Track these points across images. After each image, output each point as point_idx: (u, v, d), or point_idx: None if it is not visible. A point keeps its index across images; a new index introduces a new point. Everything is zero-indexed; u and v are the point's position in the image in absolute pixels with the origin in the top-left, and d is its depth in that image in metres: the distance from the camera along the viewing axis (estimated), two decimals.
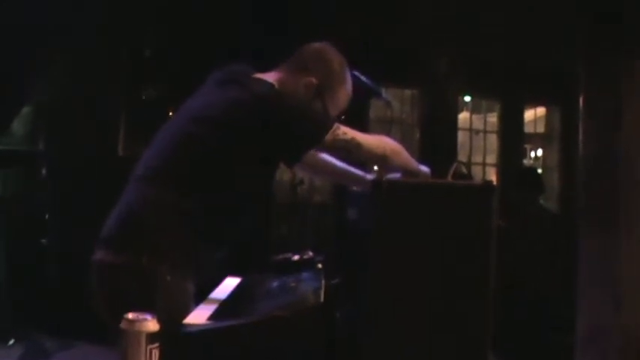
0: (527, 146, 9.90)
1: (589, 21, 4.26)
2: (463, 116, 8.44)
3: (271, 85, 2.27)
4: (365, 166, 2.61)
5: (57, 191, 5.41)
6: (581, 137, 4.21)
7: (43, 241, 5.34)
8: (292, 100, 2.24)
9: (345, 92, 2.41)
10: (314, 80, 2.33)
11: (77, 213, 5.30)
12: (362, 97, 2.62)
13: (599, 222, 4.09)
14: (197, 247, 2.22)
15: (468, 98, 8.39)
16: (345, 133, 2.19)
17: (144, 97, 5.88)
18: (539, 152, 9.72)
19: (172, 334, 1.66)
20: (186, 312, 1.98)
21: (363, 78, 2.46)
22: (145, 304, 1.96)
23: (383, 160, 2.29)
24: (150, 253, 2.13)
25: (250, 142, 2.18)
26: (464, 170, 2.02)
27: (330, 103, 2.36)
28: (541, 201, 5.96)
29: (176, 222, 2.18)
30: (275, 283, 2.20)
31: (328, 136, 2.18)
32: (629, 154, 3.98)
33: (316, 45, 2.42)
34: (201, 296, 2.24)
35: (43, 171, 5.43)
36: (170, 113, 5.55)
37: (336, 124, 2.20)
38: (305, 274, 2.23)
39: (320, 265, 2.33)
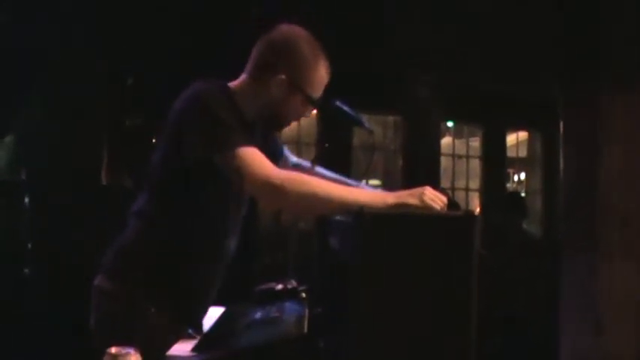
0: (510, 170, 9.93)
1: (568, 49, 4.32)
2: (446, 141, 8.47)
3: (212, 84, 2.16)
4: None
5: (40, 221, 5.37)
6: (561, 163, 4.25)
7: (26, 271, 5.30)
8: (209, 106, 2.06)
9: (322, 71, 2.23)
10: (283, 77, 2.17)
11: (60, 242, 5.27)
12: (344, 125, 2.61)
13: (580, 247, 4.12)
14: (183, 281, 2.21)
15: (450, 123, 8.42)
16: (234, 159, 2.00)
17: (127, 125, 5.87)
18: (522, 176, 9.75)
19: None
20: (167, 346, 1.98)
21: (344, 107, 2.46)
22: (126, 333, 1.98)
23: (269, 198, 2.05)
24: (134, 285, 2.16)
25: (180, 141, 2.10)
26: (450, 196, 2.03)
27: (310, 89, 2.21)
28: (524, 225, 5.99)
29: (159, 256, 2.19)
30: (258, 314, 2.20)
31: (218, 159, 2.03)
32: (608, 180, 4.01)
33: (277, 35, 2.23)
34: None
35: (26, 200, 5.39)
36: (154, 141, 5.55)
37: (236, 148, 2.00)
38: (288, 304, 2.23)
39: (304, 295, 2.32)
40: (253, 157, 2.01)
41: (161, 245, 2.20)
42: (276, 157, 2.41)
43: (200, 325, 2.28)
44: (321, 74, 2.23)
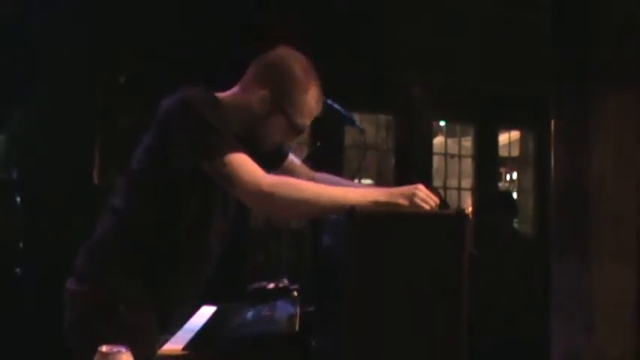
0: (503, 170, 9.95)
1: (560, 49, 4.33)
2: (438, 140, 8.48)
3: (200, 92, 2.14)
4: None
5: (31, 220, 5.36)
6: (552, 163, 4.26)
7: (17, 270, 5.29)
8: (202, 112, 2.05)
9: (312, 96, 2.21)
10: (267, 94, 2.16)
11: (52, 242, 5.26)
12: (336, 124, 2.61)
13: (571, 246, 4.12)
14: (158, 282, 2.18)
15: (442, 123, 8.44)
16: (223, 166, 1.99)
17: (119, 124, 5.86)
18: (515, 175, 9.77)
19: None
20: (142, 346, 1.93)
21: (335, 106, 2.46)
22: (98, 334, 1.97)
23: (260, 203, 2.04)
24: (106, 285, 2.15)
25: (164, 147, 2.11)
26: (441, 195, 2.03)
27: (295, 112, 2.19)
28: (515, 224, 6.00)
29: (132, 255, 2.17)
30: (250, 312, 2.20)
31: (207, 166, 2.02)
32: (599, 179, 4.02)
33: (274, 53, 2.24)
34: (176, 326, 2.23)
35: (17, 200, 5.38)
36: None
37: (225, 155, 1.99)
38: (280, 303, 2.23)
39: (295, 293, 2.33)
40: (242, 163, 2.01)
41: (136, 245, 2.17)
42: (274, 162, 2.40)
43: (177, 326, 2.26)
44: (309, 100, 2.21)
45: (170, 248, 2.18)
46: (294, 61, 2.21)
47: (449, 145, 8.49)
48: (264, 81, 2.19)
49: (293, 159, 2.52)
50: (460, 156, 8.39)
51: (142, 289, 2.14)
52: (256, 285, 2.39)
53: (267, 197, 1.97)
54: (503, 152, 8.80)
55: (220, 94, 2.23)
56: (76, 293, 2.19)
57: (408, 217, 1.83)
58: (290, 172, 2.44)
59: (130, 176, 2.24)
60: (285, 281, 2.40)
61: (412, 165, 7.20)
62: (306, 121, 2.25)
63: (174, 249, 2.19)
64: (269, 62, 2.23)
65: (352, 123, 2.54)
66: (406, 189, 1.93)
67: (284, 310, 2.14)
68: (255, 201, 2.03)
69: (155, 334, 2.13)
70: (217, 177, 2.03)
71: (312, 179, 2.43)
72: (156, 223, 2.17)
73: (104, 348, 1.51)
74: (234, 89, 2.26)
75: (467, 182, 8.26)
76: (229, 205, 2.30)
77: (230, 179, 2.00)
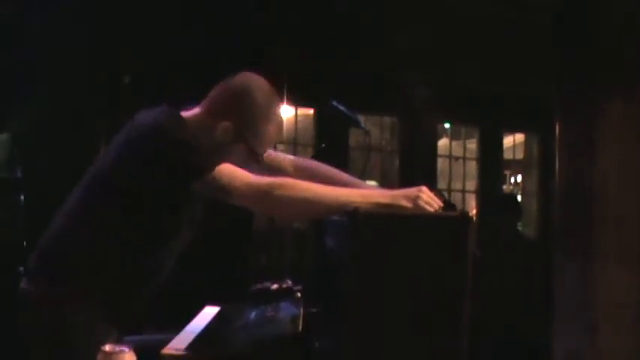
0: (507, 172, 9.94)
1: (564, 51, 4.32)
2: (443, 143, 8.47)
3: (172, 115, 2.15)
4: None
5: (35, 219, 5.36)
6: (557, 166, 4.26)
7: (20, 269, 5.28)
8: (180, 135, 2.07)
9: (272, 128, 2.23)
10: (230, 125, 2.16)
11: None
12: (341, 126, 2.61)
13: (574, 248, 4.13)
14: (113, 285, 2.17)
15: (447, 125, 8.43)
16: (217, 179, 2.00)
17: (123, 124, 5.86)
18: (519, 178, 9.76)
19: None
20: (90, 347, 1.89)
21: (341, 107, 2.46)
22: (47, 335, 1.98)
23: (261, 205, 2.08)
24: (57, 287, 2.15)
25: (140, 170, 2.10)
26: (446, 197, 2.02)
27: (256, 141, 2.21)
28: (519, 227, 5.99)
29: (88, 258, 2.16)
30: (253, 313, 2.20)
31: (197, 184, 2.03)
32: (603, 182, 4.02)
33: (237, 82, 2.23)
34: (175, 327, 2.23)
35: (21, 198, 5.38)
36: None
37: (213, 169, 2.00)
38: (283, 304, 2.23)
39: (299, 294, 2.33)
40: (231, 171, 2.03)
41: (90, 248, 2.16)
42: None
43: (130, 328, 2.24)
44: (270, 130, 2.23)
45: (125, 254, 2.18)
46: (257, 90, 2.22)
47: (453, 147, 8.48)
48: (227, 111, 2.19)
49: (271, 152, 2.50)
50: (465, 158, 8.39)
51: (93, 291, 2.14)
52: (259, 286, 2.39)
53: (266, 196, 1.99)
54: (507, 155, 8.78)
55: (184, 114, 2.22)
56: (28, 293, 2.19)
57: (411, 219, 1.83)
58: (274, 165, 2.43)
59: (94, 180, 2.24)
60: (289, 282, 2.39)
61: (416, 167, 7.19)
62: (267, 150, 2.27)
63: (130, 255, 2.18)
64: (233, 92, 2.22)
65: (357, 124, 2.54)
66: (409, 191, 1.92)
67: (287, 310, 2.14)
68: (254, 202, 2.05)
69: (104, 335, 2.10)
70: (212, 191, 2.04)
71: (296, 166, 2.45)
72: (115, 229, 2.16)
73: (107, 347, 1.51)
74: (197, 110, 2.25)
75: (471, 185, 8.25)
76: (195, 218, 2.29)
77: (225, 189, 2.01)
